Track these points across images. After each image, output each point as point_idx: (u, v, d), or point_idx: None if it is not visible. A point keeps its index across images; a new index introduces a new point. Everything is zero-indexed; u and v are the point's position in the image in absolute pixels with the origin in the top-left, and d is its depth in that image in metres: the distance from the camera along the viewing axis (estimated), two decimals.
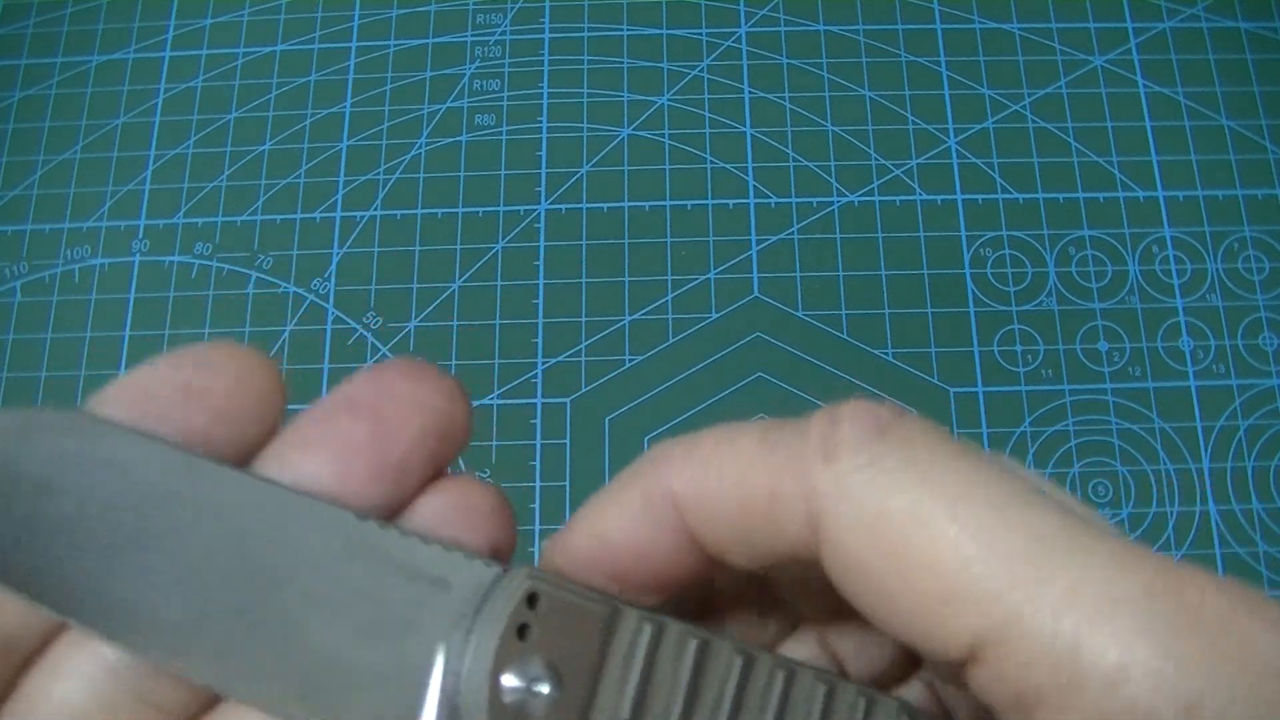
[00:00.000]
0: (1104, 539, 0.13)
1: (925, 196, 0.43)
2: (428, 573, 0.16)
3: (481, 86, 0.45)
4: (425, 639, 0.16)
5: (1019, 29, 0.45)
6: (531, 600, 0.16)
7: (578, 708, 0.15)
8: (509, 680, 0.15)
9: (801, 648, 0.18)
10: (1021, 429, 0.40)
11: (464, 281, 0.42)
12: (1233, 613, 0.13)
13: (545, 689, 0.15)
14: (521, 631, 0.16)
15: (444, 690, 0.16)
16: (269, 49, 0.46)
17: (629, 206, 0.43)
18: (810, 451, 0.14)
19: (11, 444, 0.17)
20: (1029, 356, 0.41)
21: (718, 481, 0.15)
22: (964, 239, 0.42)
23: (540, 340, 0.41)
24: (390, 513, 0.16)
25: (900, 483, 0.14)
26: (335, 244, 0.42)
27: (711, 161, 0.43)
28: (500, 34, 0.46)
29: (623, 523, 0.16)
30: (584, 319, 0.41)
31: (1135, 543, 0.13)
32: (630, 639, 0.16)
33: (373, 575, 0.16)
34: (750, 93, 0.44)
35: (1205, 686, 0.12)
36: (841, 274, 0.42)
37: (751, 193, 0.43)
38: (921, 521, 0.13)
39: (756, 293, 0.41)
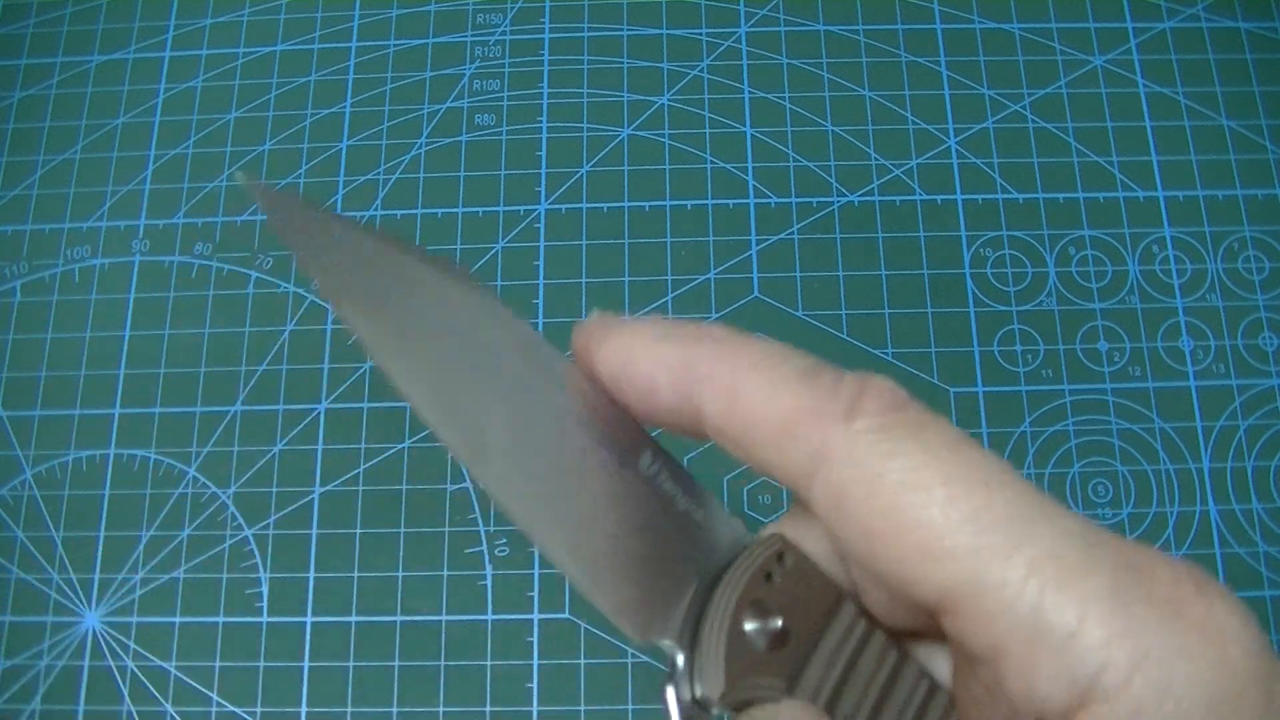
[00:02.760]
0: (1077, 521, 0.15)
1: (925, 196, 0.43)
2: (707, 511, 0.19)
3: (481, 86, 0.45)
4: (687, 562, 0.18)
5: (1019, 29, 0.45)
6: (780, 558, 0.18)
7: (792, 665, 0.18)
8: (750, 618, 0.18)
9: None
10: (1021, 429, 0.40)
11: None
12: (1184, 588, 0.14)
13: (778, 626, 0.18)
14: (769, 577, 0.18)
15: (691, 610, 0.18)
16: (269, 49, 0.46)
17: (629, 206, 0.43)
18: (835, 406, 0.16)
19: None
20: (1029, 356, 0.41)
21: (750, 390, 0.17)
22: (964, 239, 0.42)
23: None
24: None
25: (903, 452, 0.16)
26: None
27: (711, 161, 0.43)
28: (500, 34, 0.46)
29: (655, 365, 0.18)
30: (584, 319, 0.41)
31: (1105, 528, 0.15)
32: (846, 628, 0.18)
33: (651, 500, 0.19)
34: (750, 93, 0.44)
35: (1153, 645, 0.14)
36: (841, 274, 0.42)
37: (751, 193, 0.43)
38: (914, 486, 0.15)
39: (756, 293, 0.41)
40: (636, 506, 0.19)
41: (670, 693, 0.18)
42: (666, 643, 0.18)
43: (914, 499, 0.15)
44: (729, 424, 0.17)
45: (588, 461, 0.19)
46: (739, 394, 0.17)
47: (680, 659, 0.18)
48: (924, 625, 0.18)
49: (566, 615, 0.38)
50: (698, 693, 0.18)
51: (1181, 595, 0.14)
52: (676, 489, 0.19)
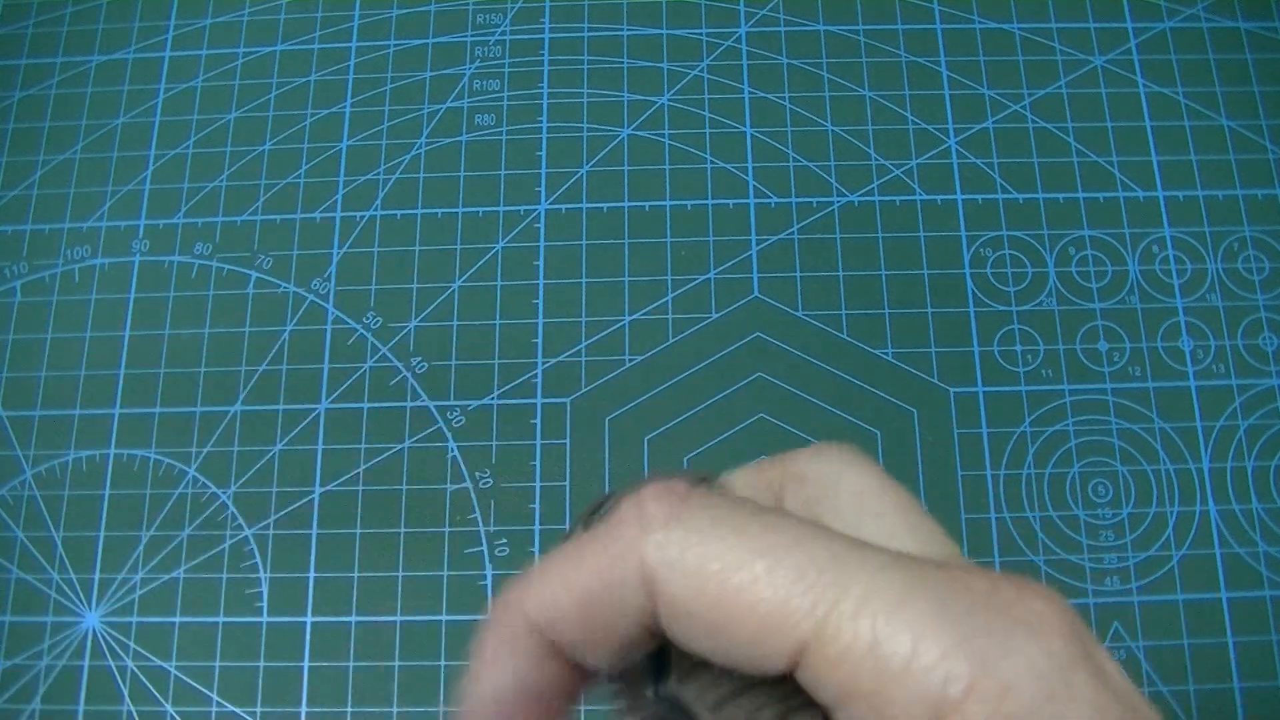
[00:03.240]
0: (890, 554, 0.15)
1: (925, 196, 0.43)
2: None
3: (481, 86, 0.45)
4: None
5: (1019, 29, 0.45)
6: None
7: None
8: None
9: None
10: (1021, 429, 0.40)
11: (464, 281, 0.42)
12: (1004, 592, 0.15)
13: None
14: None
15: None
16: (269, 49, 0.46)
17: (629, 206, 0.43)
18: (628, 533, 0.17)
19: None
20: (1029, 356, 0.41)
21: (561, 591, 0.17)
22: (964, 239, 0.42)
23: (540, 340, 0.41)
24: None
25: (711, 537, 0.16)
26: (335, 244, 0.42)
27: (711, 161, 0.43)
28: (500, 34, 0.46)
29: (503, 676, 0.18)
30: (584, 319, 0.41)
31: (916, 556, 0.16)
32: None
33: None
34: (750, 93, 0.44)
35: (987, 649, 0.14)
36: (841, 274, 0.42)
37: (751, 193, 0.43)
38: (734, 566, 0.16)
39: (756, 293, 0.41)
40: None
41: None
42: None
43: (740, 580, 0.15)
44: (579, 632, 0.18)
45: None
46: (556, 607, 0.18)
47: None
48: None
49: None
50: None
51: (1002, 598, 0.15)
52: None
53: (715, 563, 0.16)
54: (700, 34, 0.45)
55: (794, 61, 0.45)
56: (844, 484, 0.18)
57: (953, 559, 0.17)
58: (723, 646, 0.16)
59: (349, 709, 0.37)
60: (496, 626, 0.19)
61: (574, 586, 0.17)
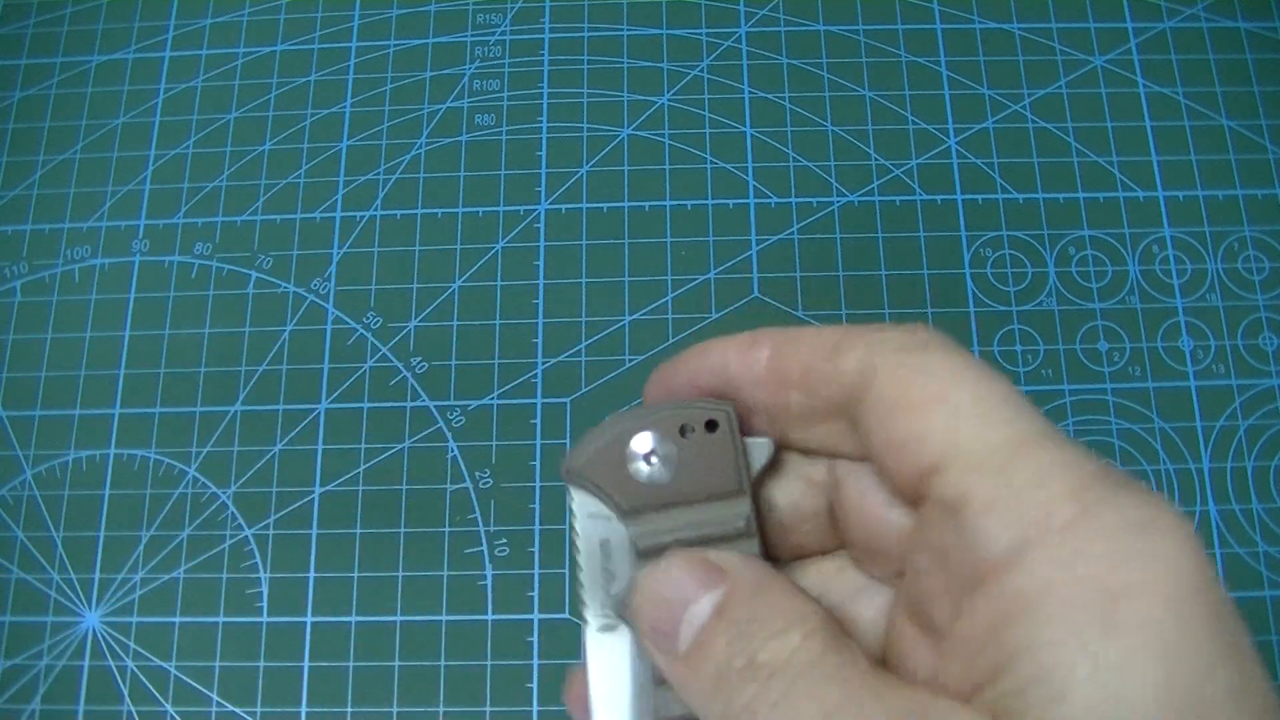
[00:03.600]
0: (1053, 425, 0.17)
1: (925, 196, 0.43)
2: None
3: (481, 86, 0.45)
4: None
5: (1019, 29, 0.45)
6: (710, 425, 0.20)
7: (640, 502, 0.20)
8: (639, 443, 0.20)
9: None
10: None
11: (464, 281, 0.42)
12: (1134, 483, 0.16)
13: (659, 465, 0.20)
14: (683, 430, 0.20)
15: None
16: (269, 49, 0.46)
17: (629, 206, 0.43)
18: (868, 327, 0.20)
19: None
20: (1029, 356, 0.41)
21: (803, 340, 0.20)
22: (964, 239, 0.42)
23: (540, 340, 0.41)
24: None
25: (926, 349, 0.19)
26: (335, 244, 0.42)
27: (711, 161, 0.43)
28: (500, 34, 0.46)
29: (731, 354, 0.21)
30: (584, 319, 0.41)
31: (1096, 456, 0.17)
32: (727, 516, 0.20)
33: None
34: (750, 93, 0.44)
35: (1099, 508, 0.15)
36: (841, 274, 0.42)
37: (751, 193, 0.43)
38: (956, 379, 0.18)
39: (756, 293, 0.41)
40: None
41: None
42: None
43: (931, 379, 0.18)
44: (800, 366, 0.20)
45: None
46: (797, 341, 0.20)
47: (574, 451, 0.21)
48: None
49: (566, 615, 0.38)
50: (566, 462, 0.21)
51: (1126, 478, 0.16)
52: None
53: (918, 360, 0.19)
54: (700, 34, 0.45)
55: (794, 61, 0.45)
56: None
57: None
58: (887, 428, 0.18)
59: (349, 709, 0.37)
60: (746, 344, 0.21)
61: (811, 345, 0.20)
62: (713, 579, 0.18)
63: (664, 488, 0.20)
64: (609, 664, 0.20)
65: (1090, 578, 0.15)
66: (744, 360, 0.21)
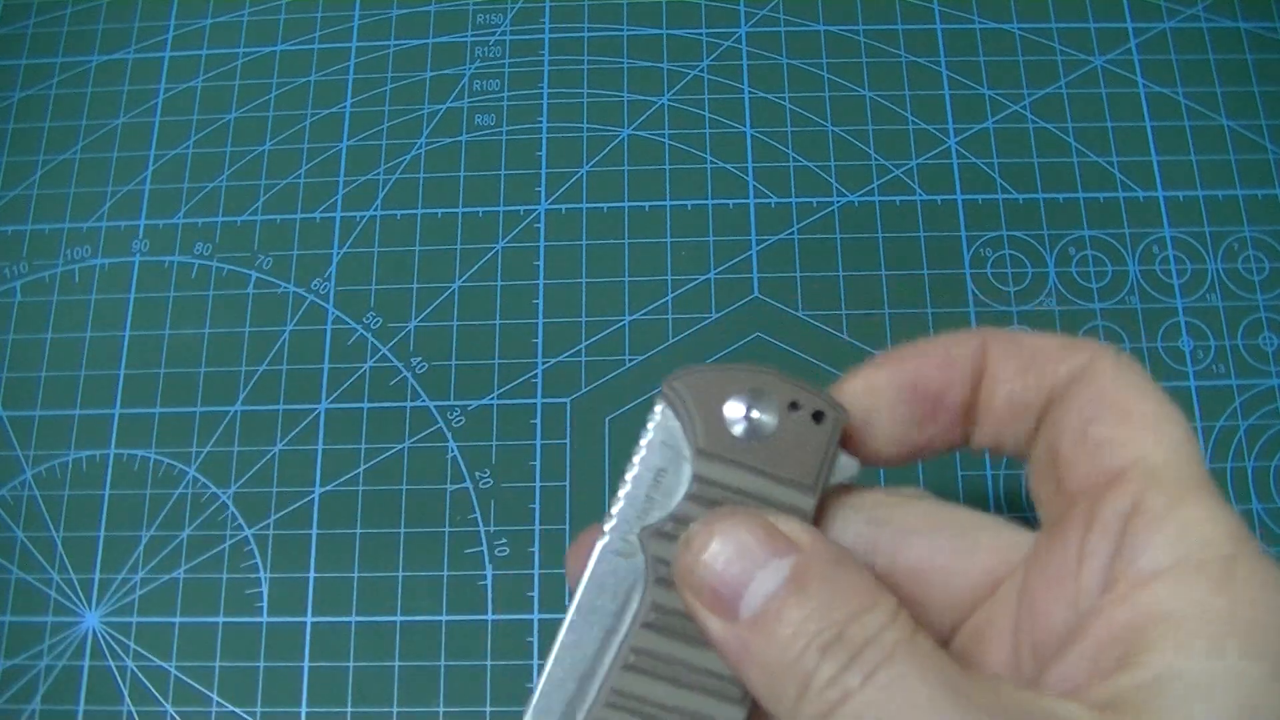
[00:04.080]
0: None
1: (925, 196, 0.43)
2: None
3: (481, 86, 0.45)
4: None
5: (1019, 29, 0.45)
6: (818, 416, 0.21)
7: (732, 456, 0.20)
8: (740, 400, 0.20)
9: None
10: None
11: (464, 281, 0.42)
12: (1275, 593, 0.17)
13: (754, 429, 0.20)
14: (794, 406, 0.21)
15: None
16: (269, 49, 0.46)
17: (629, 206, 0.43)
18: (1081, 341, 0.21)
19: None
20: None
21: (1030, 336, 0.22)
22: (964, 239, 0.42)
23: (540, 340, 0.41)
24: None
25: (1148, 384, 0.20)
26: (335, 244, 0.42)
27: (711, 161, 0.43)
28: (500, 34, 0.46)
29: (934, 360, 0.23)
30: (584, 319, 0.41)
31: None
32: (791, 501, 0.20)
33: None
34: (750, 93, 0.44)
35: (1236, 526, 0.17)
36: (841, 274, 0.42)
37: (751, 193, 0.43)
38: (1147, 396, 0.20)
39: (756, 293, 0.41)
40: None
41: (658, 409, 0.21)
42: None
43: (1146, 397, 0.20)
44: (1014, 363, 0.22)
45: None
46: (1018, 340, 0.22)
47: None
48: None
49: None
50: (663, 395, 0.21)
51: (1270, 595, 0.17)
52: None
53: (1138, 375, 0.20)
54: (700, 34, 0.45)
55: (794, 61, 0.45)
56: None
57: None
58: (1093, 424, 0.20)
59: (349, 709, 0.37)
60: (954, 338, 0.23)
61: (1034, 339, 0.22)
62: (781, 548, 0.18)
63: (746, 448, 0.20)
64: (606, 587, 0.20)
65: (1237, 604, 0.16)
66: (967, 348, 0.23)
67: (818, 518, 0.21)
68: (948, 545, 0.21)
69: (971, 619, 0.21)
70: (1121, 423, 0.19)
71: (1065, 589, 0.18)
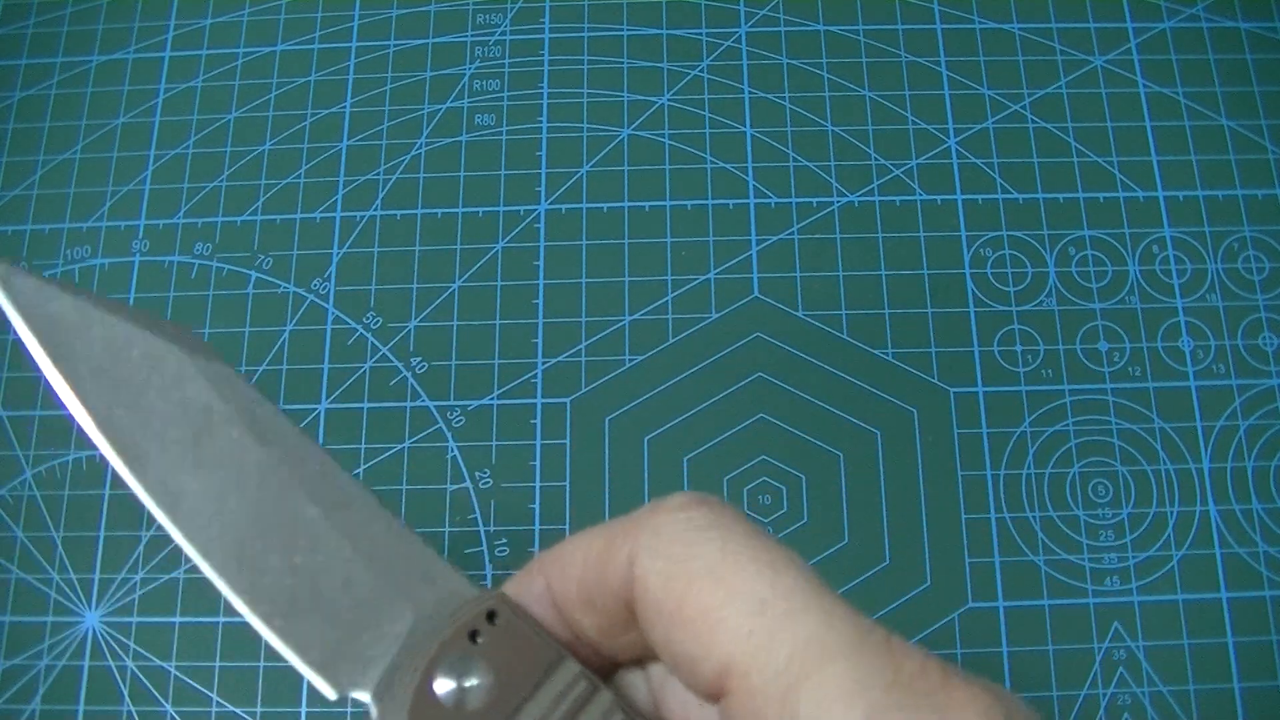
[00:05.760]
0: (848, 608, 0.16)
1: (925, 196, 0.43)
2: (427, 570, 0.19)
3: (481, 86, 0.45)
4: (395, 617, 0.19)
5: (1019, 29, 0.45)
6: (491, 616, 0.19)
7: None
8: (443, 675, 0.18)
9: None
10: (1021, 429, 0.40)
11: (464, 281, 0.42)
12: (931, 678, 0.15)
13: (474, 684, 0.18)
14: (473, 637, 0.18)
15: (390, 668, 0.18)
16: (269, 49, 0.46)
17: (629, 206, 0.43)
18: (639, 515, 0.18)
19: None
20: (1029, 356, 0.41)
21: (570, 558, 0.19)
22: (964, 239, 0.42)
23: (540, 340, 0.41)
24: None
25: (708, 537, 0.17)
26: (335, 244, 0.42)
27: (711, 161, 0.43)
28: (500, 34, 0.46)
29: (518, 591, 0.20)
30: (584, 319, 0.41)
31: (879, 626, 0.16)
32: (563, 687, 0.18)
33: (381, 549, 0.19)
34: (750, 93, 0.44)
35: None
36: (841, 274, 0.42)
37: (751, 193, 0.43)
38: (712, 569, 0.17)
39: (756, 293, 0.41)
40: (347, 555, 0.19)
41: None
42: (363, 697, 0.18)
43: (709, 582, 0.16)
44: (573, 596, 0.19)
45: (292, 511, 0.19)
46: (563, 572, 0.19)
47: (374, 715, 0.18)
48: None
49: None
50: None
51: (927, 685, 0.15)
52: (403, 543, 0.20)
53: (696, 562, 0.17)
54: (700, 34, 0.45)
55: (794, 61, 0.45)
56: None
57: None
58: (670, 643, 0.17)
59: (349, 709, 0.37)
60: (522, 580, 0.20)
61: (579, 561, 0.19)
62: None
63: (493, 703, 0.18)
64: None
65: None
66: (530, 597, 0.20)
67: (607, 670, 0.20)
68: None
69: None
70: (688, 632, 0.17)
71: None
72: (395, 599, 0.19)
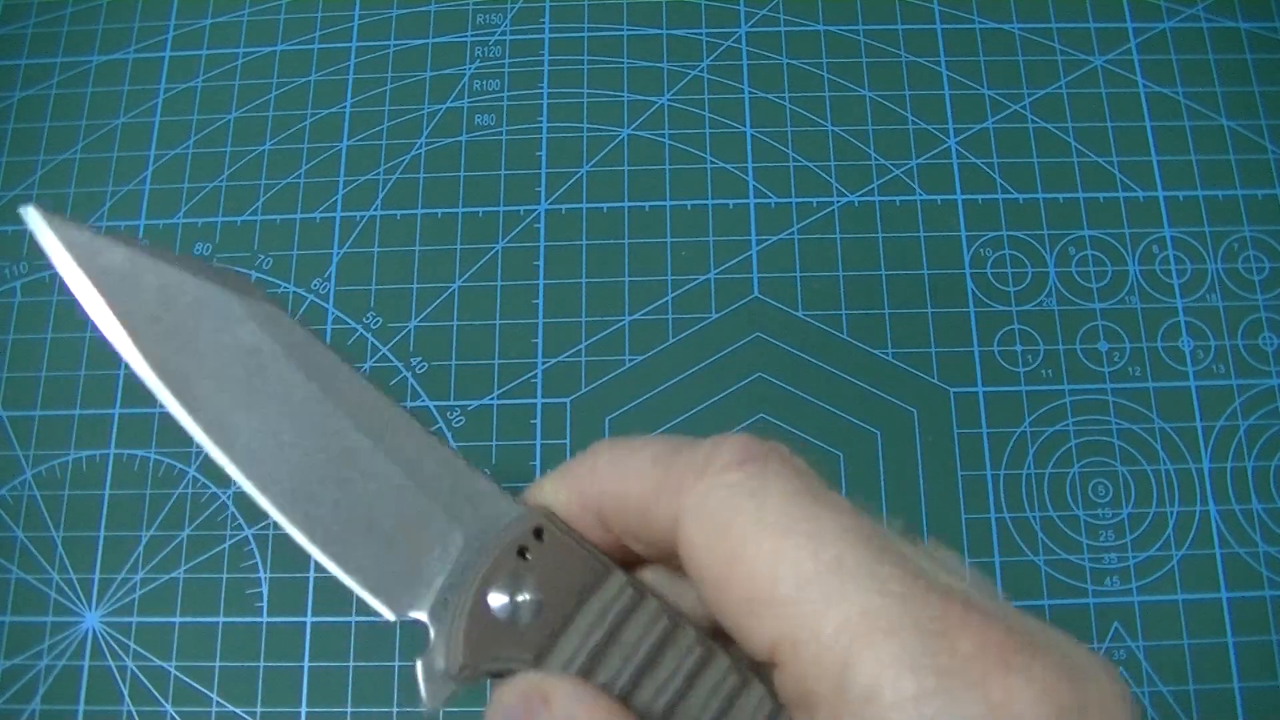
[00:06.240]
0: (900, 574, 0.15)
1: (925, 196, 0.43)
2: (473, 490, 0.20)
3: (481, 86, 0.45)
4: (445, 539, 0.19)
5: (1019, 29, 0.45)
6: (538, 533, 0.19)
7: (545, 637, 0.18)
8: (496, 591, 0.19)
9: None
10: (1021, 429, 0.40)
11: (464, 281, 0.42)
12: (988, 660, 0.14)
13: (527, 599, 0.18)
14: (522, 553, 0.19)
15: (445, 585, 0.19)
16: (269, 49, 0.46)
17: (629, 206, 0.43)
18: (687, 468, 0.18)
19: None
20: (1029, 356, 0.41)
21: (619, 485, 0.19)
22: (964, 239, 0.42)
23: (540, 340, 0.41)
24: None
25: (745, 506, 0.17)
26: (335, 244, 0.42)
27: (711, 161, 0.43)
28: (500, 34, 0.46)
29: (559, 504, 0.20)
30: (584, 319, 0.41)
31: (942, 586, 0.15)
32: (610, 598, 0.19)
33: (428, 473, 0.20)
34: (750, 93, 0.44)
35: (939, 711, 0.14)
36: (841, 274, 0.42)
37: (751, 193, 0.43)
38: (750, 540, 0.16)
39: (756, 293, 0.41)
40: (397, 481, 0.19)
41: (420, 666, 0.19)
42: (420, 617, 0.19)
43: (751, 551, 0.16)
44: (622, 525, 0.19)
45: (342, 442, 0.19)
46: (611, 495, 0.19)
47: (432, 633, 0.19)
48: None
49: None
50: (439, 666, 0.19)
51: (982, 668, 0.14)
52: (448, 467, 0.20)
53: (737, 530, 0.16)
54: (700, 34, 0.45)
55: (794, 61, 0.45)
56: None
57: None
58: (720, 608, 0.17)
59: (349, 709, 0.37)
60: (571, 476, 0.20)
61: (629, 491, 0.19)
62: (535, 706, 0.18)
63: (545, 616, 0.19)
64: None
65: None
66: (557, 506, 0.20)
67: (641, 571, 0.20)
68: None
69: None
70: (739, 603, 0.16)
71: None
72: (445, 521, 0.19)
